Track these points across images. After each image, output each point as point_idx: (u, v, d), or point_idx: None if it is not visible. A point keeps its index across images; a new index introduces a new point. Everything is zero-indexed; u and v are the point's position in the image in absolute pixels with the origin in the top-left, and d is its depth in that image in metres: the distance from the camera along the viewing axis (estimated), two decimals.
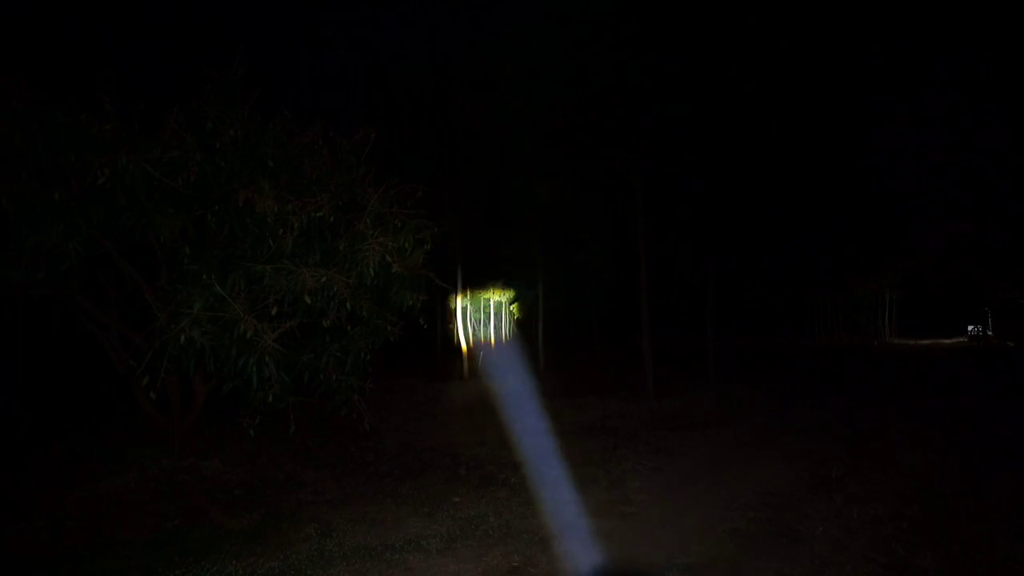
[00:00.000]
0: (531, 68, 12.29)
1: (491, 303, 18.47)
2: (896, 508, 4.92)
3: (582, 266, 18.71)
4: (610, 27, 11.31)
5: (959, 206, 22.08)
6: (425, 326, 6.14)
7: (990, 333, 33.23)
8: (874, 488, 5.54)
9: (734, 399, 12.16)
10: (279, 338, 5.13)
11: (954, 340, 36.14)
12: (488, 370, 17.30)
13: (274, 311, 5.01)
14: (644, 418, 9.97)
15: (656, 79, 11.58)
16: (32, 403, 8.13)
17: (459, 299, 16.66)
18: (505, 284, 19.06)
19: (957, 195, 21.18)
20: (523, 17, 12.41)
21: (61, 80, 4.94)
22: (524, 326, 21.42)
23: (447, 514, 5.01)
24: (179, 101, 4.90)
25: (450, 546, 4.26)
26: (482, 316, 18.05)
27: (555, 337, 21.64)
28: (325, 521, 4.86)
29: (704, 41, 11.55)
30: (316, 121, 5.63)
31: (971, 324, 35.94)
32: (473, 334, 17.61)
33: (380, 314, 5.63)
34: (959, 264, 27.25)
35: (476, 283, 17.77)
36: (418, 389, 12.35)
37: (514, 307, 19.51)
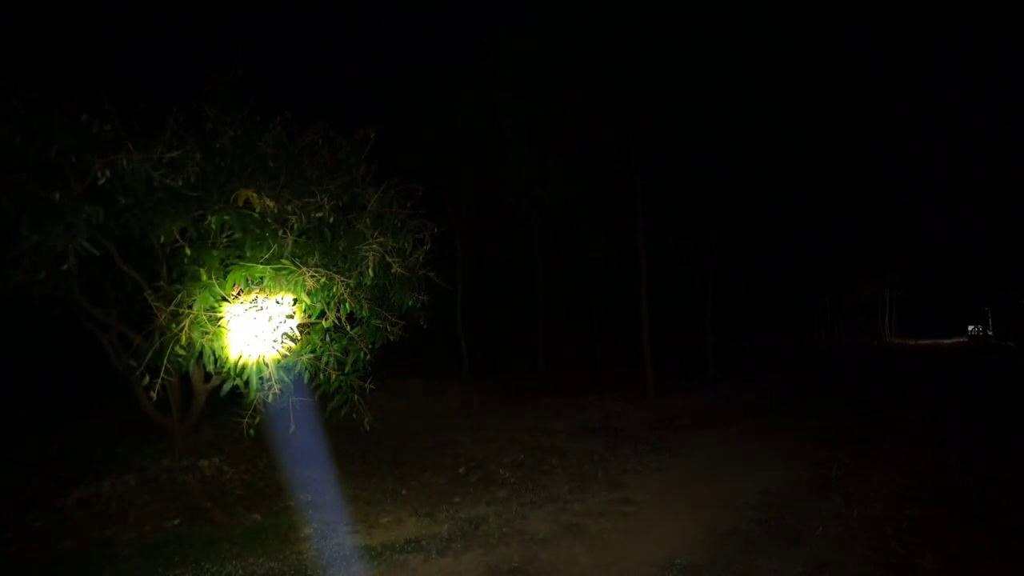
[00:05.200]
0: (532, 68, 12.30)
1: None
2: (896, 508, 4.93)
3: (582, 266, 18.73)
4: (612, 29, 11.32)
5: (960, 206, 22.05)
6: (425, 327, 6.14)
7: (990, 333, 33.22)
8: (874, 488, 5.54)
9: (734, 399, 12.16)
10: (279, 338, 5.12)
11: (954, 340, 36.15)
12: (489, 370, 17.30)
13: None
14: (644, 418, 9.97)
15: (657, 80, 11.58)
16: (32, 403, 8.12)
17: None
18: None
19: (958, 195, 21.14)
20: (525, 17, 12.41)
21: (61, 80, 4.93)
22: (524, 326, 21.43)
23: (447, 514, 5.01)
24: (179, 101, 4.89)
25: (450, 546, 4.25)
26: None
27: (555, 337, 21.64)
28: (325, 521, 4.86)
29: (704, 41, 11.55)
30: (316, 121, 5.63)
31: (971, 324, 35.97)
32: None
33: (380, 314, 5.63)
34: (959, 264, 27.22)
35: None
36: (418, 389, 12.34)
37: None
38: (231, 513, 5.00)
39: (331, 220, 5.16)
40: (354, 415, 5.52)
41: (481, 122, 13.98)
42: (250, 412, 5.00)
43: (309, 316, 5.35)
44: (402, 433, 8.72)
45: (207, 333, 4.62)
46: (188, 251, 4.82)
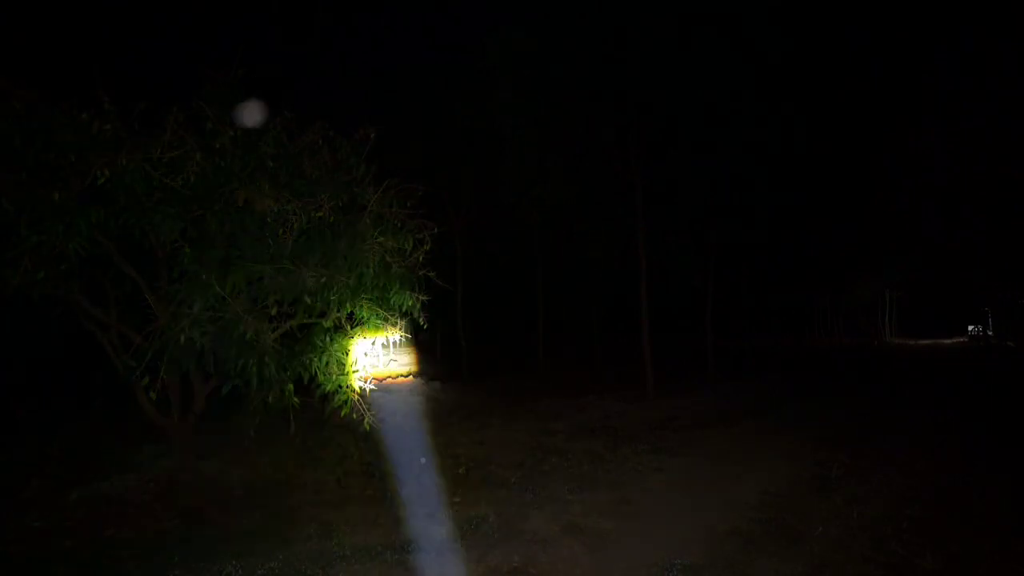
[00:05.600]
0: (532, 68, 12.30)
1: None
2: (896, 508, 4.92)
3: (582, 266, 18.71)
4: (612, 29, 11.32)
5: (960, 206, 22.05)
6: (425, 327, 6.15)
7: (990, 333, 33.21)
8: (874, 488, 5.54)
9: (734, 399, 12.16)
10: (279, 338, 5.13)
11: (954, 340, 36.18)
12: (489, 370, 17.31)
13: (274, 311, 5.01)
14: (644, 418, 9.97)
15: (657, 80, 11.59)
16: (32, 403, 8.13)
17: None
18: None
19: (958, 195, 21.14)
20: (525, 17, 12.40)
21: (61, 80, 4.94)
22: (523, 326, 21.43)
23: (447, 514, 5.01)
24: (179, 101, 4.89)
25: (450, 546, 4.25)
26: None
27: (555, 337, 21.65)
28: (325, 521, 4.86)
29: (703, 41, 11.55)
30: (316, 121, 5.63)
31: (971, 324, 35.98)
32: None
33: (380, 314, 5.63)
34: (959, 264, 27.20)
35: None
36: (418, 389, 12.34)
37: None
38: (231, 513, 5.00)
39: (331, 220, 5.16)
40: (354, 415, 5.53)
41: (481, 122, 13.98)
42: (250, 412, 5.01)
43: (309, 316, 5.35)
44: (402, 433, 8.71)
45: (207, 333, 4.63)
46: (188, 251, 4.83)
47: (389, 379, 11.60)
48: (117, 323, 5.73)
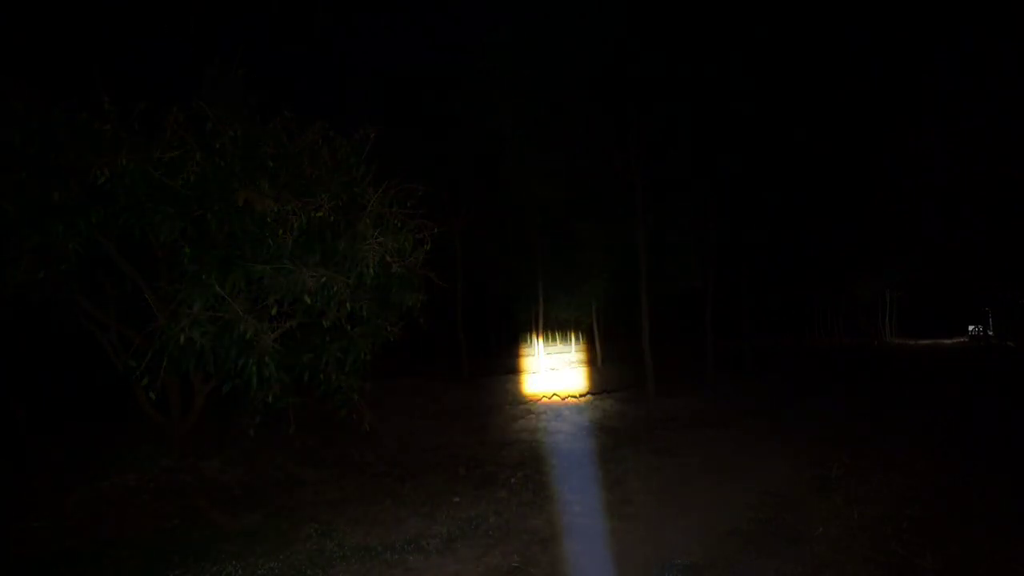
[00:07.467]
0: (532, 68, 12.31)
1: None
2: (896, 508, 4.92)
3: (582, 266, 18.71)
4: (614, 27, 11.32)
5: (960, 206, 22.01)
6: (426, 327, 6.15)
7: (990, 333, 33.19)
8: (874, 488, 5.53)
9: (734, 399, 12.15)
10: (279, 338, 5.13)
11: (954, 340, 36.17)
12: (488, 370, 17.32)
13: (274, 311, 5.01)
14: (644, 418, 9.97)
15: (657, 80, 11.60)
16: (32, 403, 8.12)
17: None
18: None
19: (958, 195, 21.10)
20: (525, 18, 12.40)
21: (61, 80, 4.94)
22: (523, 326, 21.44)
23: (447, 514, 5.01)
24: (179, 101, 4.89)
25: (450, 546, 4.26)
26: None
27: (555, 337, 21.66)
28: (325, 521, 4.87)
29: (704, 40, 11.55)
30: (316, 121, 5.63)
31: (971, 324, 35.97)
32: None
33: (380, 314, 5.63)
34: (959, 264, 27.17)
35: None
36: (418, 389, 12.34)
37: None
38: (231, 513, 5.00)
39: (331, 220, 5.16)
40: (354, 415, 5.53)
41: (481, 122, 13.98)
42: (250, 412, 5.01)
43: (308, 316, 5.35)
44: (402, 433, 8.71)
45: (207, 333, 4.63)
46: (188, 251, 4.83)
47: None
48: (117, 323, 5.74)
